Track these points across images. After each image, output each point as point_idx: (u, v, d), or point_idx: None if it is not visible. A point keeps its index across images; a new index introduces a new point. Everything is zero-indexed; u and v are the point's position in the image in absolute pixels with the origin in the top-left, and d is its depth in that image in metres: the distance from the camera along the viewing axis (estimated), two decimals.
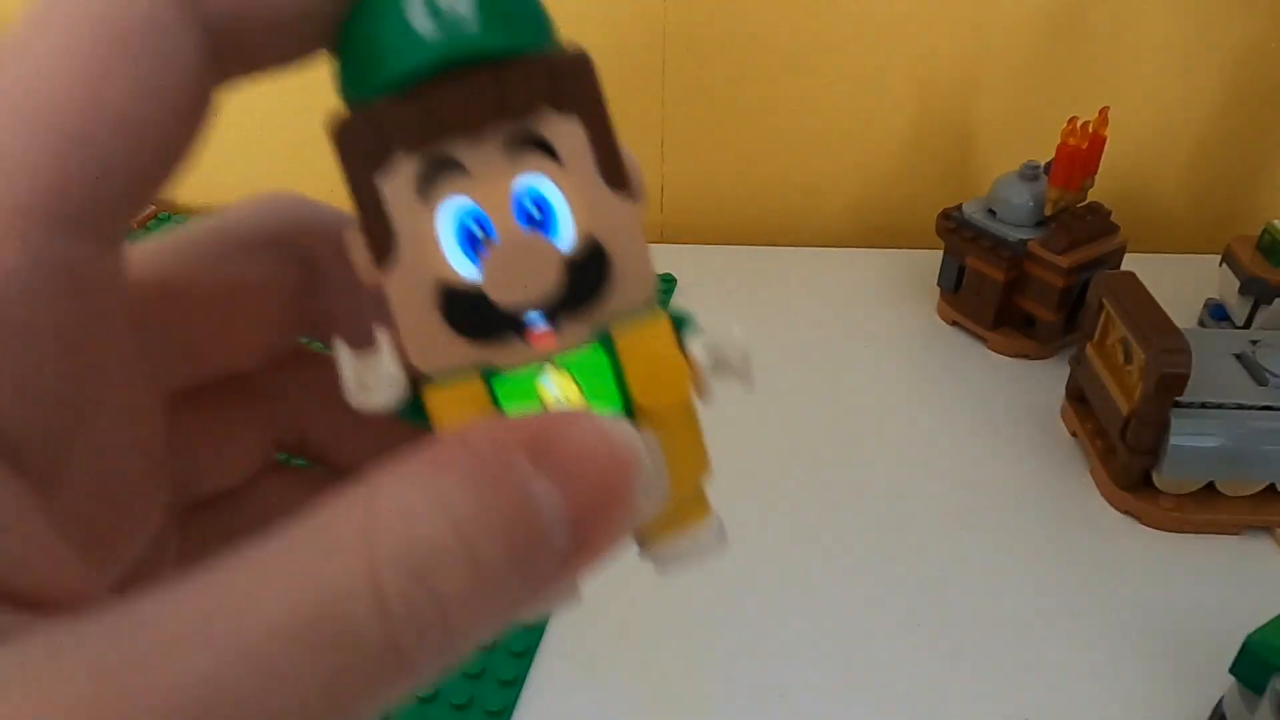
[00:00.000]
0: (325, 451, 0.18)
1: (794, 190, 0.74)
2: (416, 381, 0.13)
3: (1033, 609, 0.43)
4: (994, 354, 0.60)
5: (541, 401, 0.14)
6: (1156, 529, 0.47)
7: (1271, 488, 0.47)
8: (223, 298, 0.15)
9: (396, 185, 0.13)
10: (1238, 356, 0.49)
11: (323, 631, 0.10)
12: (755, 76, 0.70)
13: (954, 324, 0.63)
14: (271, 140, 0.74)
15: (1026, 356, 0.60)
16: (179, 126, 0.12)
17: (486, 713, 0.38)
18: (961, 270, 0.60)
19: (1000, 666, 0.41)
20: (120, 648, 0.09)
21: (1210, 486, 0.47)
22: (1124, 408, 0.47)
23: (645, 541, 0.15)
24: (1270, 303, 0.56)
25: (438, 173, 0.13)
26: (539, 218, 0.13)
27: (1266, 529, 0.47)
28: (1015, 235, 0.57)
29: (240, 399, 0.17)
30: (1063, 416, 0.55)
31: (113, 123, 0.11)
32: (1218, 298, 0.60)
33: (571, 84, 0.13)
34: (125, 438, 0.13)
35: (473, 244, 0.13)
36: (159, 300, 0.14)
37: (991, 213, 0.59)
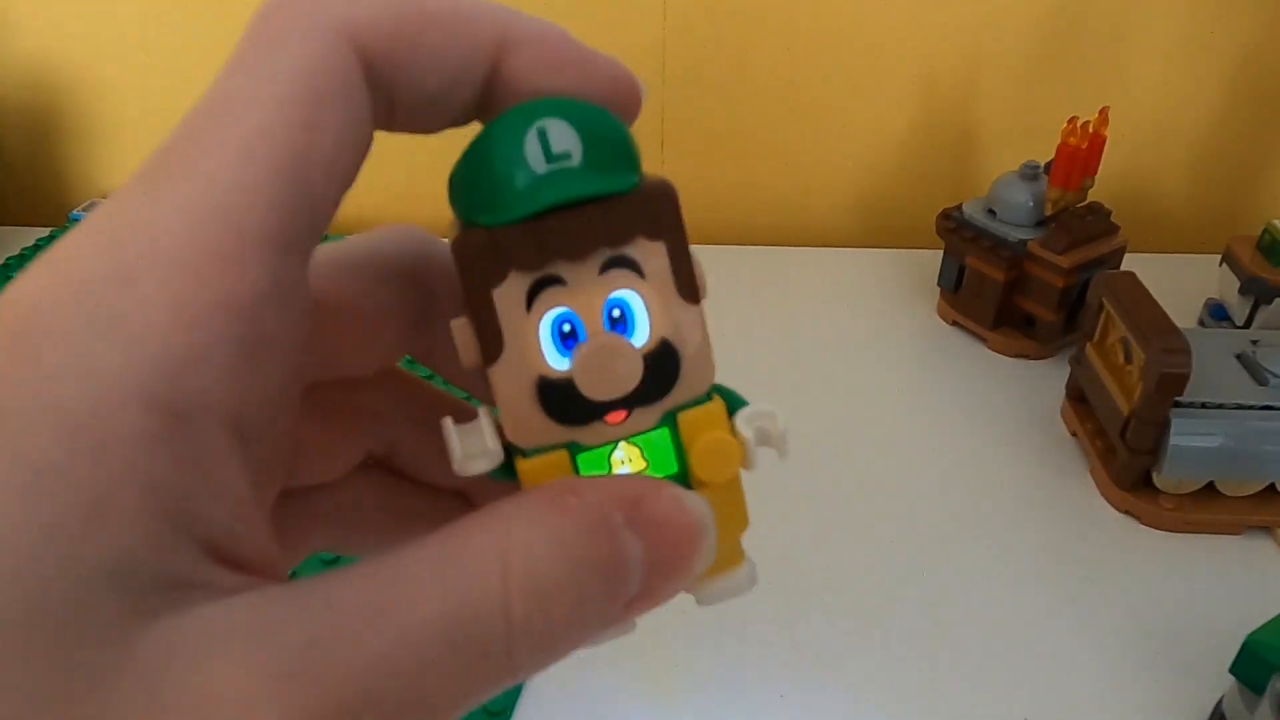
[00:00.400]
0: (407, 465, 0.20)
1: (794, 190, 0.74)
2: (508, 449, 0.16)
3: (1033, 609, 0.43)
4: (994, 354, 0.60)
5: (611, 469, 0.17)
6: (1156, 529, 0.47)
7: (1271, 488, 0.47)
8: (360, 313, 0.17)
9: (508, 297, 0.15)
10: (1238, 356, 0.49)
11: (463, 634, 0.12)
12: (755, 77, 0.70)
13: (954, 324, 0.63)
14: None
15: (1026, 356, 0.60)
16: (357, 165, 0.15)
17: (487, 712, 0.38)
18: (961, 270, 0.60)
19: (1000, 666, 0.41)
20: (317, 624, 0.12)
21: (1210, 486, 0.47)
22: (1124, 408, 0.47)
23: (691, 582, 0.17)
24: (1270, 303, 0.56)
25: (543, 288, 0.15)
26: (622, 321, 0.16)
27: (1266, 529, 0.47)
28: (1015, 235, 0.57)
29: (348, 405, 0.19)
30: (1063, 416, 0.55)
31: (321, 165, 0.14)
32: (1218, 298, 0.60)
33: (660, 215, 0.16)
34: (287, 426, 0.15)
35: (566, 341, 0.16)
36: (317, 308, 0.16)
37: (991, 213, 0.59)
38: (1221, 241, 0.60)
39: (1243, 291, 0.56)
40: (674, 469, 0.17)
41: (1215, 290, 0.60)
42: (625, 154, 0.16)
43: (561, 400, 0.16)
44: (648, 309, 0.16)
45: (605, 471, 0.17)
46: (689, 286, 0.16)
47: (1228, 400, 0.46)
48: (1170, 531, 0.47)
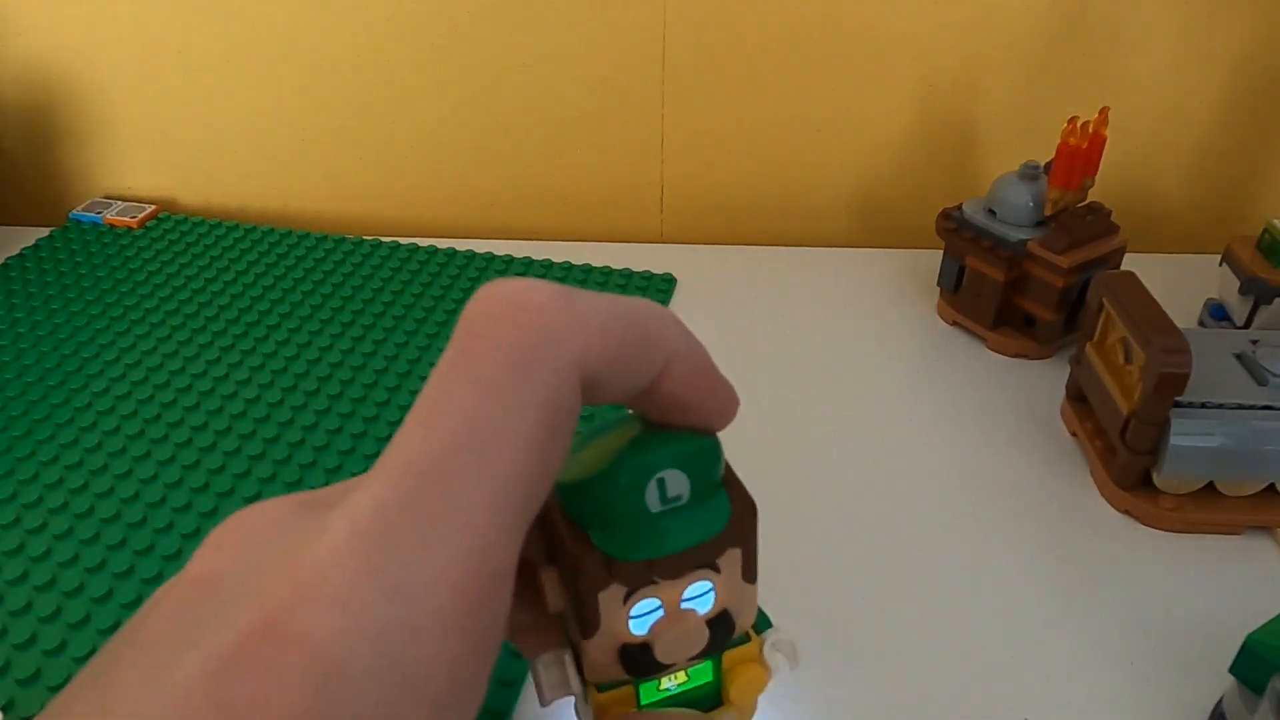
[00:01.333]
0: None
1: (794, 190, 0.74)
2: (585, 680, 0.20)
3: (1032, 609, 0.43)
4: (994, 354, 0.60)
5: (660, 685, 0.21)
6: (1156, 529, 0.47)
7: (1271, 488, 0.47)
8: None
9: (610, 597, 0.18)
10: (1238, 356, 0.49)
11: None
12: (755, 76, 0.70)
13: (954, 324, 0.63)
14: (269, 144, 0.74)
15: (1026, 356, 0.60)
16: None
17: (488, 711, 0.38)
18: (961, 270, 0.60)
19: (1000, 666, 0.41)
20: None
21: (1210, 486, 0.47)
22: (1124, 408, 0.47)
23: None
24: (1270, 303, 0.56)
25: (639, 589, 0.19)
26: (694, 598, 0.19)
27: (1266, 529, 0.47)
28: (1015, 235, 0.57)
29: None
30: (1063, 416, 0.55)
31: (548, 483, 0.16)
32: (1218, 298, 0.60)
33: (743, 533, 0.19)
34: None
35: (644, 611, 0.19)
36: None
37: (991, 213, 0.59)
38: (1221, 241, 0.60)
39: (1243, 291, 0.56)
40: (709, 679, 0.21)
41: (1215, 290, 0.60)
42: (718, 481, 0.19)
43: (639, 661, 0.19)
44: (716, 591, 0.20)
45: (656, 687, 0.21)
46: (751, 571, 0.20)
47: (1228, 400, 0.46)
48: (1170, 531, 0.47)
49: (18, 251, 0.69)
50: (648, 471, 0.18)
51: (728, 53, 0.69)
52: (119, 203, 0.74)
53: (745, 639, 0.21)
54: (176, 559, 0.45)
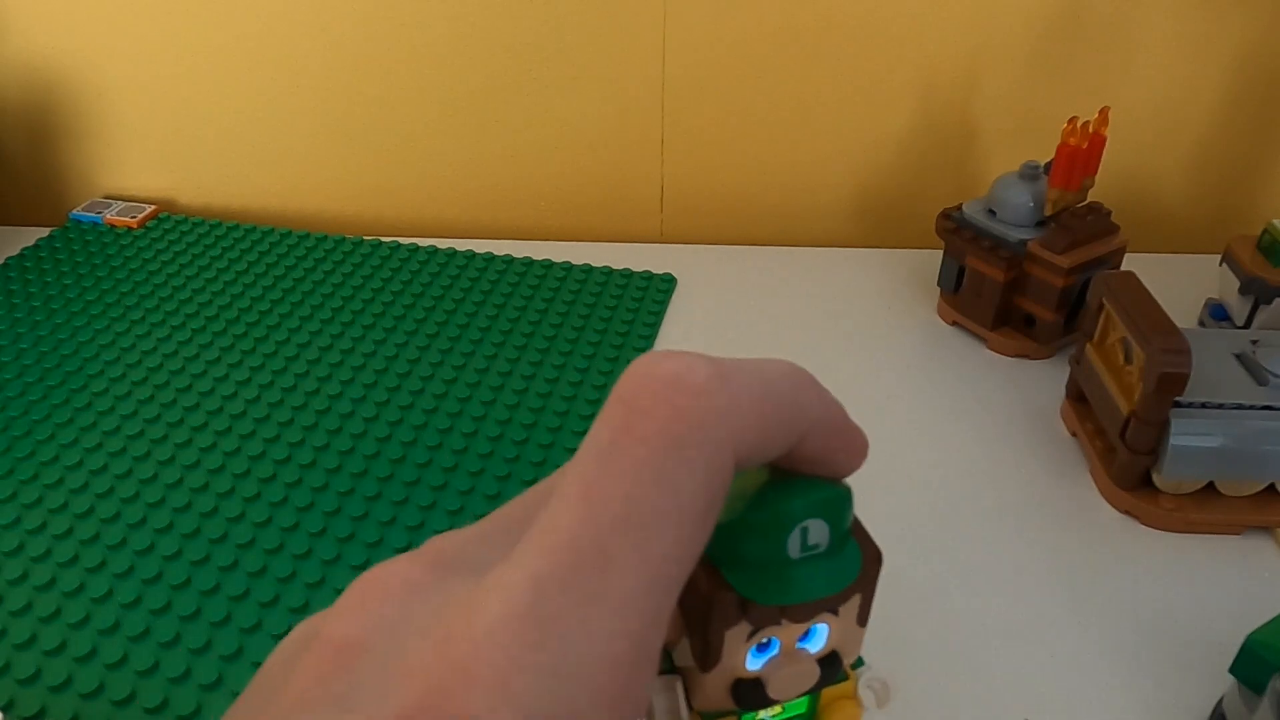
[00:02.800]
0: None
1: (794, 190, 0.74)
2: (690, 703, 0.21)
3: (1032, 609, 0.43)
4: (994, 354, 0.60)
5: (758, 716, 0.21)
6: (1156, 529, 0.47)
7: (1271, 488, 0.47)
8: None
9: (735, 635, 0.19)
10: (1238, 356, 0.49)
11: None
12: (755, 76, 0.70)
13: (954, 324, 0.63)
14: (269, 144, 0.74)
15: (1026, 356, 0.60)
16: None
17: None
18: (961, 270, 0.60)
19: (1000, 666, 0.41)
20: None
21: (1210, 486, 0.47)
22: (1124, 408, 0.47)
23: None
24: (1270, 303, 0.56)
25: (763, 629, 0.19)
26: (807, 634, 0.20)
27: (1266, 529, 0.47)
28: (1015, 235, 0.57)
29: None
30: (1063, 416, 0.55)
31: (697, 558, 0.16)
32: (1218, 298, 0.60)
33: (866, 580, 0.20)
34: None
35: (761, 649, 0.20)
36: None
37: (991, 213, 0.59)
38: (1221, 241, 0.60)
39: (1243, 291, 0.56)
40: (804, 710, 0.22)
41: (1215, 290, 0.60)
42: (848, 531, 0.20)
43: (750, 695, 0.20)
44: (830, 633, 0.20)
45: (754, 718, 0.21)
46: (865, 618, 0.21)
47: (1228, 400, 0.46)
48: (1170, 531, 0.47)
49: (18, 251, 0.69)
50: (793, 519, 0.18)
51: (728, 53, 0.69)
52: (119, 203, 0.74)
53: (844, 676, 0.22)
54: (176, 558, 0.45)
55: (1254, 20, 0.66)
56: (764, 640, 0.19)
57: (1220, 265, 0.59)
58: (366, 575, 0.17)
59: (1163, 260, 0.66)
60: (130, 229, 0.72)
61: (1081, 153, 0.55)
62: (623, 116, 0.72)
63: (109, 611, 0.42)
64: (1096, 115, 0.55)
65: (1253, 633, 0.35)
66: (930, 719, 0.39)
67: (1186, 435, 0.45)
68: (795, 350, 0.60)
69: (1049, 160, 0.57)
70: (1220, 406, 0.46)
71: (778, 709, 0.21)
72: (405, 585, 0.16)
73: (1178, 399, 0.45)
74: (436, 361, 0.58)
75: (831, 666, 0.21)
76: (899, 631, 0.42)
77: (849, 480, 0.20)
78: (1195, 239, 0.73)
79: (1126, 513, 0.48)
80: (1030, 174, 0.58)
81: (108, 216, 0.72)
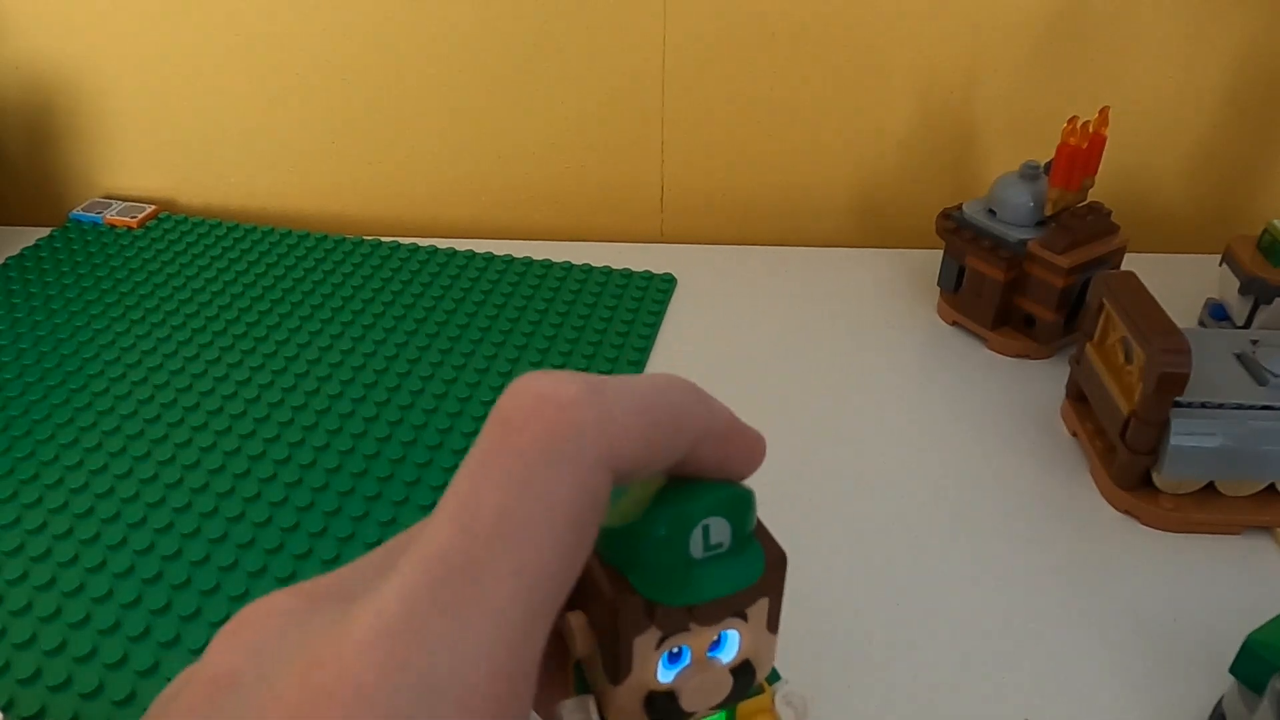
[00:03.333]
0: None
1: (794, 190, 0.74)
2: None
3: (1032, 609, 0.43)
4: (994, 354, 0.60)
5: None
6: (1156, 529, 0.47)
7: (1271, 488, 0.47)
8: None
9: (644, 642, 0.19)
10: (1238, 356, 0.49)
11: None
12: (755, 76, 0.70)
13: (954, 324, 0.63)
14: (269, 144, 0.74)
15: (1026, 356, 0.60)
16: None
17: None
18: (961, 270, 0.60)
19: (1000, 666, 0.41)
20: None
21: (1210, 486, 0.47)
22: (1124, 408, 0.47)
23: None
24: (1270, 303, 0.56)
25: (673, 636, 0.19)
26: (718, 643, 0.20)
27: (1266, 529, 0.47)
28: (1015, 235, 0.57)
29: None
30: (1063, 416, 0.55)
31: (574, 576, 0.16)
32: (1218, 298, 0.60)
33: (773, 582, 0.20)
34: None
35: (673, 660, 0.19)
36: None
37: (991, 213, 0.59)
38: (1221, 241, 0.60)
39: (1243, 291, 0.56)
40: None
41: (1215, 290, 0.60)
42: (753, 525, 0.20)
43: (664, 708, 0.20)
44: (741, 641, 0.20)
45: None
46: (775, 624, 0.21)
47: (1228, 400, 0.46)
48: (1170, 531, 0.47)
49: (18, 251, 0.69)
50: (694, 518, 0.18)
51: (728, 53, 0.69)
52: (119, 203, 0.74)
53: (759, 690, 0.22)
54: (176, 558, 0.45)
55: (1254, 20, 0.66)
56: (675, 649, 0.19)
57: (1220, 265, 0.59)
58: (243, 609, 0.17)
59: (1163, 260, 0.66)
60: (130, 229, 0.72)
61: (1081, 153, 0.55)
62: (623, 117, 0.72)
63: (109, 611, 0.42)
64: (1096, 115, 0.55)
65: (1253, 633, 0.35)
66: (930, 718, 0.39)
67: (1186, 435, 0.45)
68: (795, 350, 0.60)
69: (1049, 160, 0.57)
70: (1220, 406, 0.46)
71: None
72: (280, 615, 0.17)
73: (1178, 399, 0.45)
74: (436, 361, 0.58)
75: (745, 677, 0.21)
76: (899, 631, 0.42)
77: (758, 483, 0.20)
78: (1195, 239, 0.73)
79: (1126, 513, 0.48)
80: (1030, 174, 0.58)
81: (108, 216, 0.72)
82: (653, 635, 0.19)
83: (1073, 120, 0.55)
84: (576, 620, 0.19)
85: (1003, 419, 0.55)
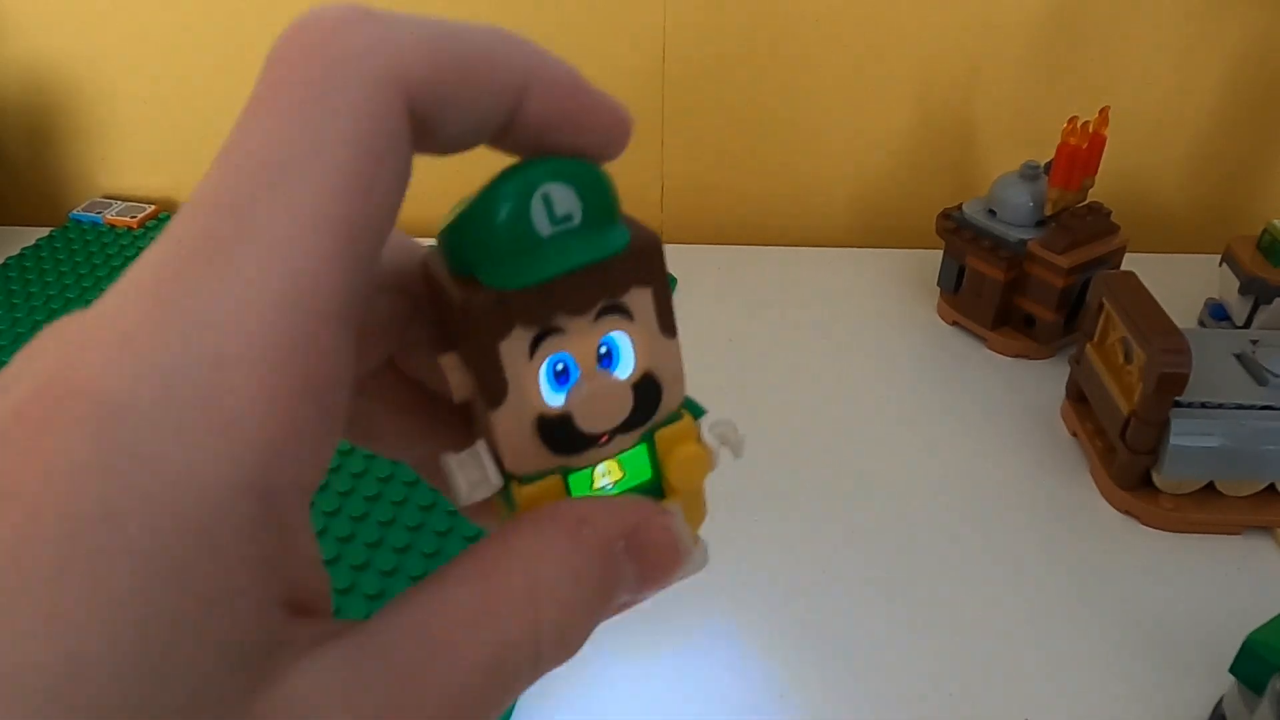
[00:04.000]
0: (418, 371, 0.20)
1: (794, 190, 0.74)
2: (507, 476, 0.18)
3: (1033, 609, 0.43)
4: (994, 354, 0.60)
5: (594, 482, 0.18)
6: (1156, 529, 0.47)
7: (1271, 488, 0.47)
8: (364, 329, 0.17)
9: (512, 349, 0.16)
10: (1238, 356, 0.49)
11: (501, 668, 0.15)
12: (755, 76, 0.70)
13: (954, 324, 0.63)
14: None
15: (1026, 356, 0.60)
16: (397, 211, 0.15)
17: None
18: (961, 270, 0.60)
19: (1000, 666, 0.41)
20: (392, 677, 0.14)
21: (1210, 486, 0.47)
22: (1124, 408, 0.47)
23: None
24: (1270, 303, 0.56)
25: (545, 337, 0.17)
26: (609, 356, 0.18)
27: (1266, 529, 0.47)
28: (1015, 235, 0.57)
29: (371, 316, 0.19)
30: (1063, 416, 0.55)
31: (375, 226, 0.14)
32: (1218, 298, 0.60)
33: (650, 266, 0.18)
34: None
35: (560, 379, 0.17)
36: None
37: (991, 213, 0.59)
38: (1221, 241, 0.60)
39: (1243, 291, 0.56)
40: (648, 476, 0.19)
41: (1215, 290, 0.60)
42: (614, 207, 0.17)
43: (560, 434, 0.17)
44: (634, 346, 0.18)
45: (589, 485, 0.18)
46: (669, 324, 0.18)
47: (1228, 400, 0.46)
48: (1170, 531, 0.47)
49: (18, 251, 0.69)
50: (530, 186, 0.16)
51: (728, 53, 0.69)
52: (119, 203, 0.74)
53: (677, 417, 0.19)
54: None
55: (1253, 20, 0.66)
56: (559, 366, 0.17)
57: (1220, 265, 0.59)
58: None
59: (1163, 260, 0.66)
60: (130, 229, 0.72)
61: (1081, 153, 0.55)
62: None
63: None
64: (1096, 115, 0.55)
65: (1253, 633, 0.35)
66: (930, 718, 0.39)
67: (1186, 435, 0.45)
68: (795, 350, 0.60)
69: (1049, 160, 0.57)
70: (1220, 406, 0.46)
71: (616, 474, 0.18)
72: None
73: (1178, 399, 0.45)
74: None
75: (648, 392, 0.18)
76: (899, 630, 0.42)
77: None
78: (1195, 239, 0.73)
79: (1126, 513, 0.48)
80: (1030, 174, 0.58)
81: (108, 216, 0.72)
82: (520, 337, 0.16)
83: (1073, 120, 0.55)
84: (448, 360, 0.17)
85: (1003, 419, 0.55)
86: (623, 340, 0.18)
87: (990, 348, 0.60)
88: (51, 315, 0.62)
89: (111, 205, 0.74)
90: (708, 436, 0.19)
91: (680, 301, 0.71)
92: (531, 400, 0.17)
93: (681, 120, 0.72)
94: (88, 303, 0.63)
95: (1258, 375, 0.47)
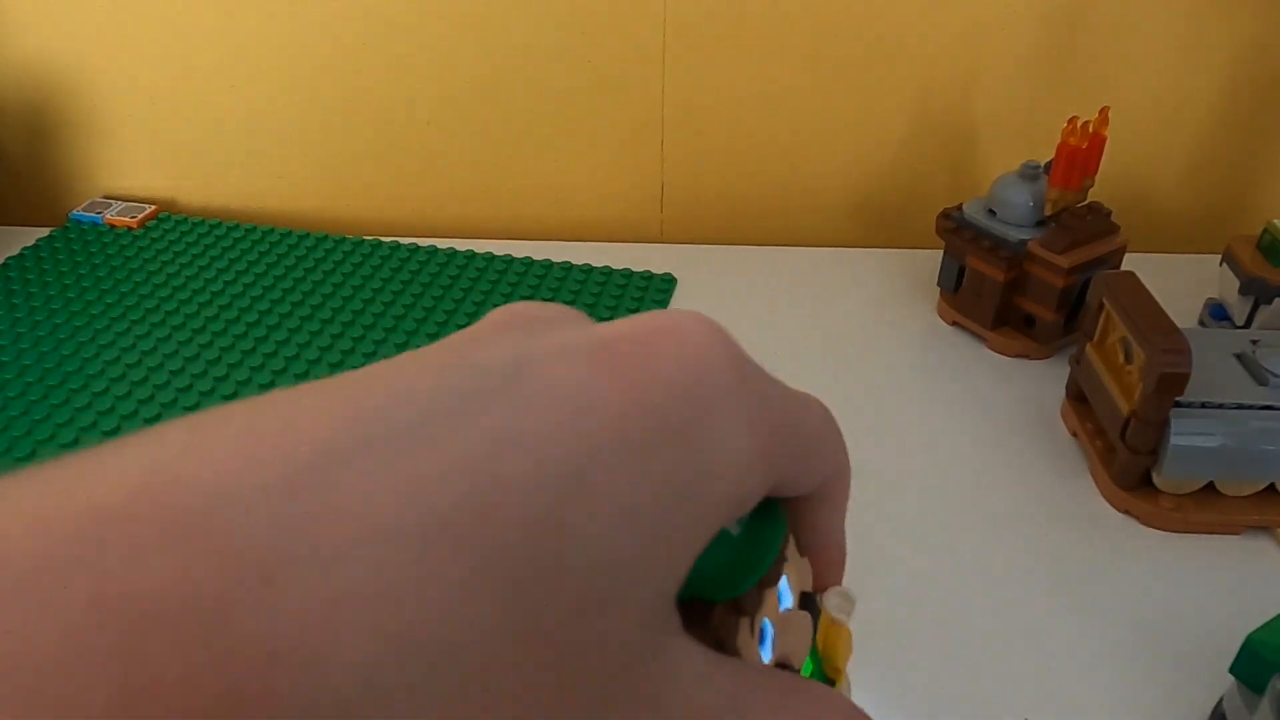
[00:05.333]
0: None
1: (794, 190, 0.74)
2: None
3: (1032, 609, 0.43)
4: (994, 354, 0.60)
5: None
6: (1156, 529, 0.47)
7: (1271, 488, 0.47)
8: None
9: (745, 638, 0.19)
10: (1238, 356, 0.49)
11: None
12: (755, 76, 0.70)
13: (954, 324, 0.63)
14: (269, 144, 0.74)
15: (1026, 356, 0.60)
16: None
17: None
18: (961, 270, 0.60)
19: (1000, 666, 0.41)
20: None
21: (1210, 486, 0.47)
22: (1124, 408, 0.47)
23: None
24: (1270, 303, 0.56)
25: (757, 614, 0.19)
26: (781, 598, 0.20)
27: (1266, 529, 0.47)
28: (1015, 235, 0.57)
29: None
30: (1063, 416, 0.55)
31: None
32: (1218, 298, 0.60)
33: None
34: None
35: (762, 639, 0.20)
36: None
37: (991, 213, 0.59)
38: (1221, 241, 0.60)
39: (1243, 291, 0.56)
40: (810, 668, 0.22)
41: (1215, 290, 0.60)
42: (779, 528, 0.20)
43: None
44: (789, 582, 0.20)
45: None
46: (800, 544, 0.21)
47: (1228, 400, 0.46)
48: (1170, 531, 0.47)
49: (18, 251, 0.69)
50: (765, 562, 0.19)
51: (728, 53, 0.69)
52: (119, 203, 0.74)
53: (817, 611, 0.22)
54: None
55: (1253, 20, 0.66)
56: (762, 626, 0.20)
57: (1220, 265, 0.59)
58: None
59: (1163, 260, 0.66)
60: (130, 229, 0.72)
61: (1081, 153, 0.55)
62: (623, 116, 0.72)
63: None
64: (1096, 115, 0.55)
65: (1253, 633, 0.35)
66: (930, 718, 0.39)
67: (1186, 435, 0.45)
68: (795, 350, 0.60)
69: (1049, 160, 0.57)
70: (1220, 406, 0.46)
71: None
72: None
73: (1178, 399, 0.45)
74: None
75: (813, 605, 0.21)
76: (899, 631, 0.42)
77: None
78: (1195, 239, 0.73)
79: (1126, 513, 0.48)
80: (1030, 174, 0.58)
81: (108, 216, 0.72)
82: (745, 624, 0.19)
83: (1073, 120, 0.55)
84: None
85: (1003, 419, 0.55)
86: (783, 580, 0.20)
87: (990, 348, 0.61)
88: (51, 315, 0.62)
89: (111, 205, 0.74)
90: (837, 616, 0.22)
91: (680, 301, 0.72)
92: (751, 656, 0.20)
93: (681, 119, 0.72)
94: (88, 303, 0.63)
95: (1258, 375, 0.47)
